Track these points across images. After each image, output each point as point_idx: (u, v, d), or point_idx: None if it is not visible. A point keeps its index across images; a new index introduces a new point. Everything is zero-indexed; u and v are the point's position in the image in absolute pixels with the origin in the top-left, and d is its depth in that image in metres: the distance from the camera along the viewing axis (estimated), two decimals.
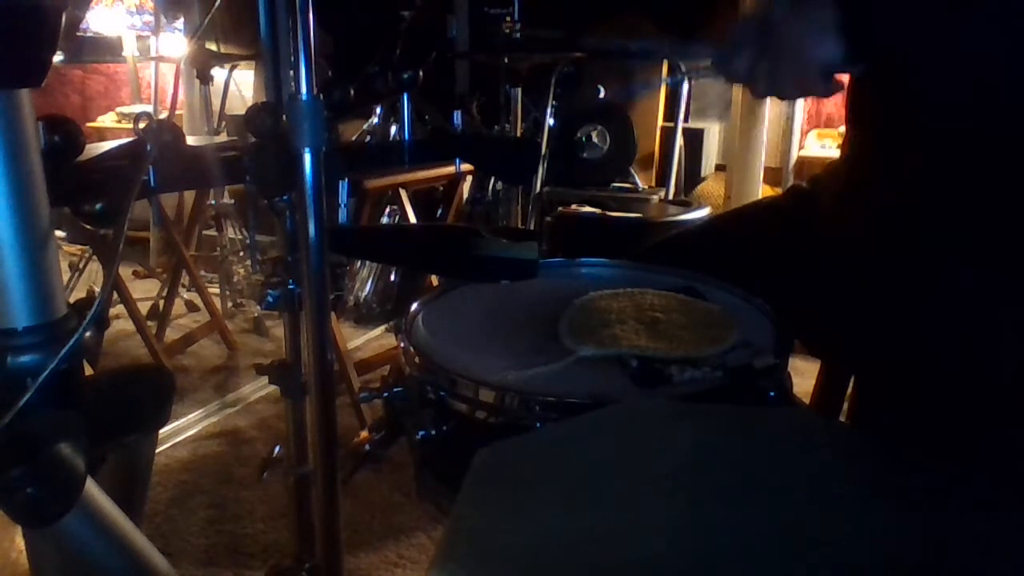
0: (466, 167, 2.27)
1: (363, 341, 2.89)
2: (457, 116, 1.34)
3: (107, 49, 3.89)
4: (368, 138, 3.02)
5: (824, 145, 3.20)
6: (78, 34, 3.61)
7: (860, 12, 0.79)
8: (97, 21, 3.59)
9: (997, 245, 0.81)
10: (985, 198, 0.81)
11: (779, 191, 2.61)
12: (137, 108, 3.84)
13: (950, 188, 0.83)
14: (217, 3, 0.82)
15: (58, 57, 3.43)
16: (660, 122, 3.28)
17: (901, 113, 0.88)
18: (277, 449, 1.09)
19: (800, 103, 3.23)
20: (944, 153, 0.83)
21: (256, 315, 2.99)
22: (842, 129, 1.07)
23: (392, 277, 3.05)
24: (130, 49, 3.78)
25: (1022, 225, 0.80)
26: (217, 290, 3.08)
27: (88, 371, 0.63)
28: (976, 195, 0.82)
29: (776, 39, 0.82)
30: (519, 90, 2.78)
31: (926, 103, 0.83)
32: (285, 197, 0.89)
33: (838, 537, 0.51)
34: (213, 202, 2.97)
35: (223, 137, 3.09)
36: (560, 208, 2.66)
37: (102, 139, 3.58)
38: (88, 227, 2.12)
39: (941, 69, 0.80)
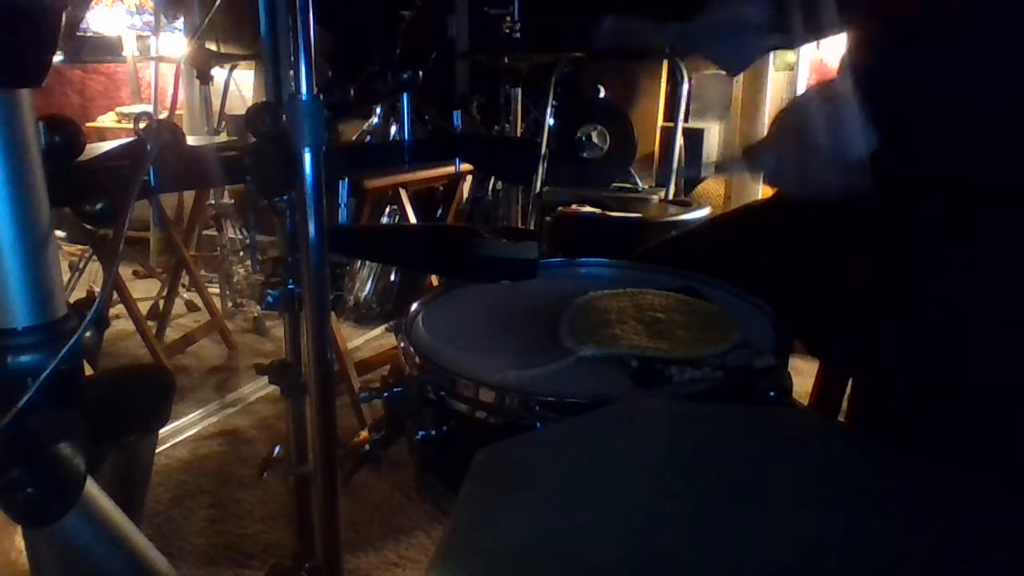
0: (466, 167, 2.27)
1: (363, 341, 2.89)
2: (457, 116, 1.34)
3: (107, 49, 3.89)
4: (368, 138, 3.02)
5: None
6: (78, 34, 3.61)
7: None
8: (97, 21, 3.59)
9: (994, 244, 0.81)
10: (982, 198, 0.81)
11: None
12: (137, 108, 3.84)
13: (947, 189, 0.83)
14: (217, 3, 0.82)
15: (58, 57, 3.43)
16: (660, 122, 3.28)
17: (895, 113, 0.88)
18: (277, 449, 1.09)
19: None
20: (940, 154, 0.83)
21: (256, 315, 2.99)
22: None
23: (392, 277, 3.05)
24: (130, 49, 3.78)
25: (1019, 224, 0.80)
26: (217, 290, 3.08)
27: (88, 371, 0.63)
28: (973, 195, 0.82)
29: (808, 138, 0.81)
30: (519, 90, 2.78)
31: (921, 105, 0.83)
32: (285, 197, 0.89)
33: (837, 536, 0.51)
34: (213, 202, 2.97)
35: (223, 137, 3.09)
36: (560, 208, 2.66)
37: (102, 139, 3.57)
38: (88, 227, 2.12)
39: (936, 77, 0.80)
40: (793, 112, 0.85)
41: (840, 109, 0.79)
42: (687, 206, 2.73)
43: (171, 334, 2.86)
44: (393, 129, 2.97)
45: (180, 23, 3.55)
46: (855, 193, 0.80)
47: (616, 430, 0.64)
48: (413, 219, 2.57)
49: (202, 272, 3.08)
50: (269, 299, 0.94)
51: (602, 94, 3.09)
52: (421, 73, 1.09)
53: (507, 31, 2.75)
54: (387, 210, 2.93)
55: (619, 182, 3.04)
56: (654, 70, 3.32)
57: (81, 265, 2.79)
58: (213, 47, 3.32)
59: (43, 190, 0.56)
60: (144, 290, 3.11)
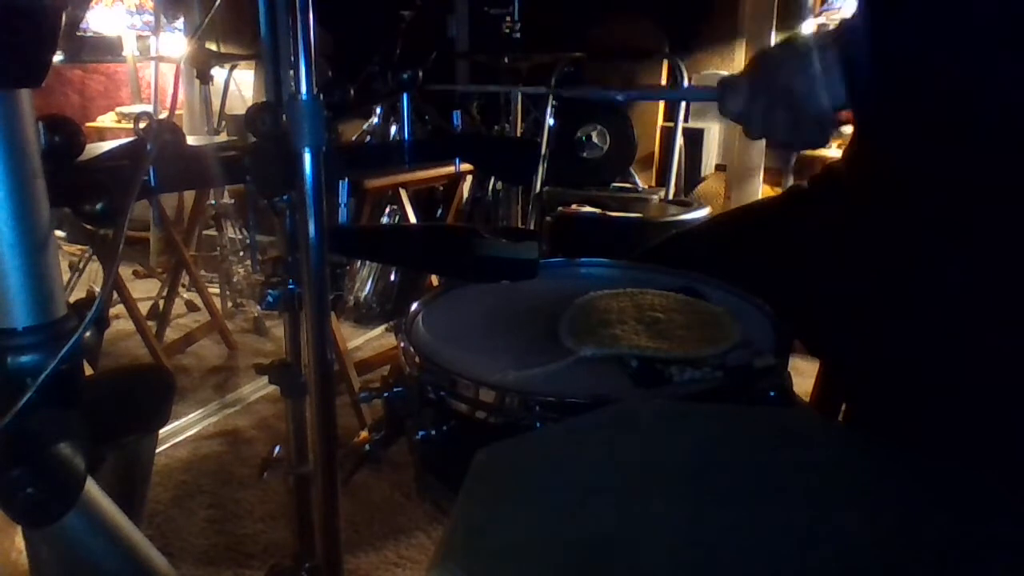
0: (466, 167, 2.28)
1: (363, 341, 2.89)
2: (457, 116, 1.34)
3: (107, 49, 3.89)
4: (368, 138, 3.02)
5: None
6: (78, 34, 3.61)
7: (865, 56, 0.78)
8: (97, 21, 3.59)
9: (994, 244, 0.81)
10: (982, 198, 0.81)
11: (779, 191, 2.61)
12: (137, 108, 3.84)
13: (947, 189, 0.83)
14: (217, 3, 0.82)
15: (58, 57, 3.44)
16: (660, 122, 3.28)
17: (901, 113, 0.87)
18: (277, 449, 1.09)
19: None
20: (940, 154, 0.83)
21: (256, 315, 2.99)
22: (842, 129, 1.07)
23: (392, 277, 3.05)
24: (130, 49, 3.78)
25: (1018, 224, 0.80)
26: (217, 290, 3.08)
27: (88, 371, 0.63)
28: (973, 195, 0.82)
29: (781, 87, 0.82)
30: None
31: (921, 103, 0.83)
32: (285, 197, 0.89)
33: (837, 537, 0.51)
34: (213, 202, 2.97)
35: (223, 137, 3.09)
36: (560, 208, 2.66)
37: (102, 139, 3.57)
38: (88, 227, 2.12)
39: (936, 75, 0.80)
40: (769, 58, 0.85)
41: (814, 62, 0.80)
42: (687, 206, 2.73)
43: (171, 334, 2.86)
44: (393, 129, 2.97)
45: (180, 23, 3.55)
46: (815, 145, 0.86)
47: (616, 430, 0.64)
48: (413, 219, 2.57)
49: (202, 272, 3.08)
50: (269, 299, 0.94)
51: None
52: (421, 73, 1.09)
53: (507, 31, 2.76)
54: (387, 210, 2.93)
55: (619, 182, 3.04)
56: (654, 70, 3.32)
57: (81, 265, 2.79)
58: (213, 47, 3.32)
59: (43, 190, 0.56)
60: (144, 290, 3.11)
